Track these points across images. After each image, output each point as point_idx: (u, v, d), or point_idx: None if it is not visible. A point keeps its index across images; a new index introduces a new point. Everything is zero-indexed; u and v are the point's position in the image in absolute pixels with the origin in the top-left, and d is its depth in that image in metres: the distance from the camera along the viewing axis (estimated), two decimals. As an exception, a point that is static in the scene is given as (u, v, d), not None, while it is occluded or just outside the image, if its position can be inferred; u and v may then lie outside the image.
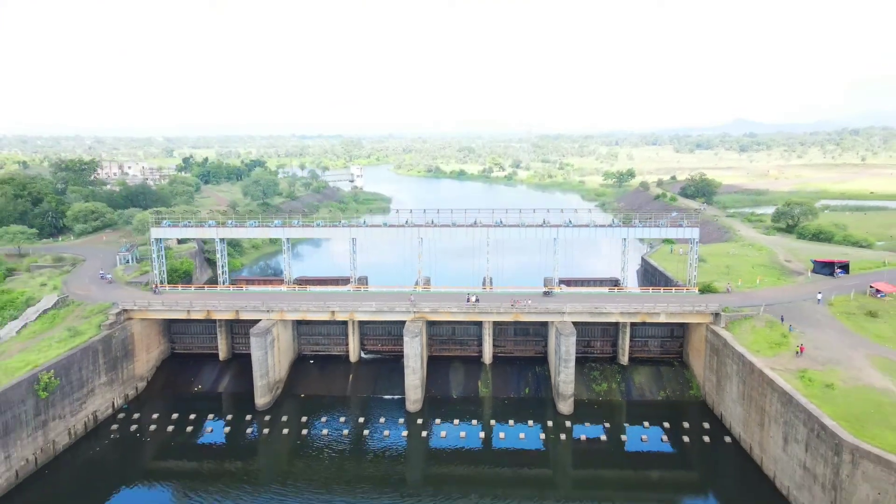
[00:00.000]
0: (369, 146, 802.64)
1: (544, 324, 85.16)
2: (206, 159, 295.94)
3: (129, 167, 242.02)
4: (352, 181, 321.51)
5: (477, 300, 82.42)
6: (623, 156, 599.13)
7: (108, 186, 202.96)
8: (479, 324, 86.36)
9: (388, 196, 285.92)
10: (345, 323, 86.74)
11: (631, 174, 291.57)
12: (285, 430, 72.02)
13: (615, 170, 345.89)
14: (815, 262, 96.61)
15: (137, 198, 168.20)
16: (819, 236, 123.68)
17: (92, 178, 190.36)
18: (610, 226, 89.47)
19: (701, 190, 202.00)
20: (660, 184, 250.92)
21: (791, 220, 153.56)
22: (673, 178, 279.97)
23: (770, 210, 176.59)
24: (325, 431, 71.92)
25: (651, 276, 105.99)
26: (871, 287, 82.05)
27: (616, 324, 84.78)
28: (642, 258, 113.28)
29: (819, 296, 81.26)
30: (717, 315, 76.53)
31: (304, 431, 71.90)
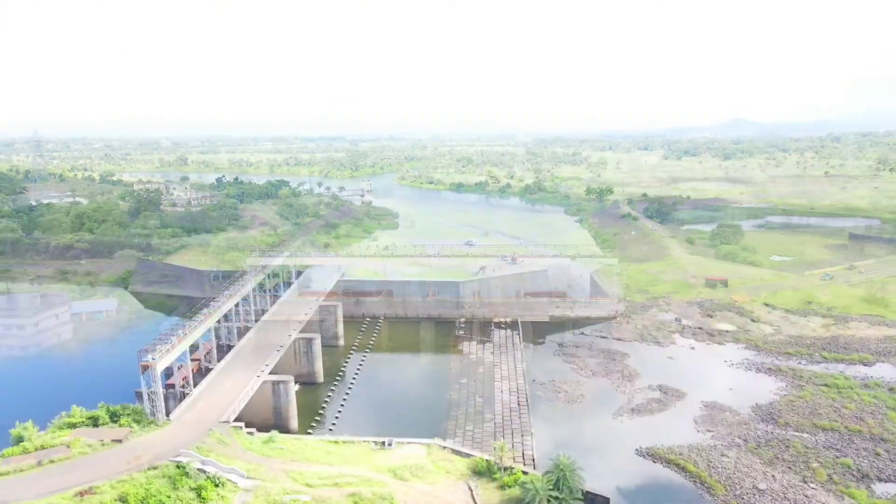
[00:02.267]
0: (373, 155, 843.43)
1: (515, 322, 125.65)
2: (236, 178, 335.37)
3: (174, 188, 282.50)
4: (362, 196, 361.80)
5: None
6: (612, 163, 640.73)
7: (162, 207, 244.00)
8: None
9: (395, 212, 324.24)
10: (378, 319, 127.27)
11: (610, 191, 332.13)
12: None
13: (599, 181, 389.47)
14: (706, 278, 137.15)
15: (197, 220, 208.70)
16: (727, 257, 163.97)
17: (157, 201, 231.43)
18: (557, 256, 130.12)
19: (659, 211, 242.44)
20: (630, 202, 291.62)
21: (723, 239, 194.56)
22: (645, 194, 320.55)
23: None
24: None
25: (594, 287, 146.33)
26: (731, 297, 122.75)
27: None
28: (590, 274, 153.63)
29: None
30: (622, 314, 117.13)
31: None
